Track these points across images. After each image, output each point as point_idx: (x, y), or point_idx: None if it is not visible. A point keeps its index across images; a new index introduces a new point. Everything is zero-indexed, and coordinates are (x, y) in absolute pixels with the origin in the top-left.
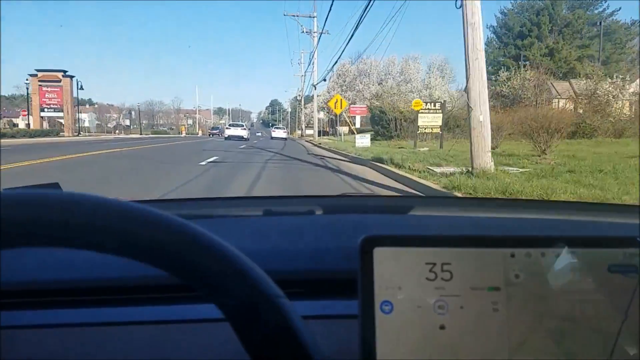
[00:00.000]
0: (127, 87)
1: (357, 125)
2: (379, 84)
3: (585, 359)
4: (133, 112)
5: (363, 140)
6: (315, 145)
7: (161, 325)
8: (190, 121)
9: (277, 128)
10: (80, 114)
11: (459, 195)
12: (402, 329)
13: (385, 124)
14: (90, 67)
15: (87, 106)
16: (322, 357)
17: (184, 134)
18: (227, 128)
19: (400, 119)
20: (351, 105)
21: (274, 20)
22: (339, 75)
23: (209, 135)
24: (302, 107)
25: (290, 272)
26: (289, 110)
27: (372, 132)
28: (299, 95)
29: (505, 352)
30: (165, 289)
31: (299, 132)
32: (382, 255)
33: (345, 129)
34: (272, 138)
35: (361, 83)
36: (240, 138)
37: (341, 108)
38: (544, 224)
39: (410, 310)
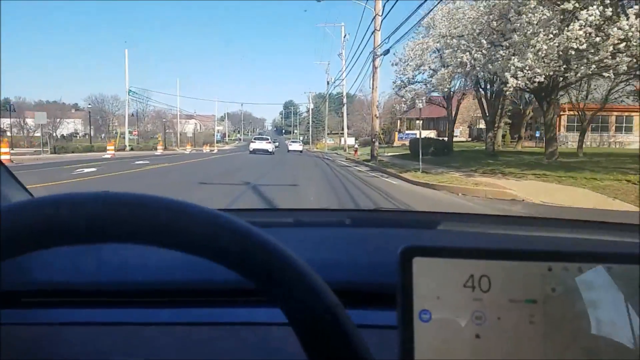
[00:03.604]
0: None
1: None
2: None
3: None
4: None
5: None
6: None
7: (222, 326)
8: (191, 129)
9: (293, 142)
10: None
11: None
12: (439, 337)
13: None
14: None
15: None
16: None
17: (159, 151)
18: (252, 142)
19: None
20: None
21: (286, 13)
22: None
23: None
24: (345, 106)
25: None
26: (309, 112)
27: None
28: (336, 85)
29: None
30: (224, 293)
31: (327, 142)
32: (421, 265)
33: None
34: (288, 151)
35: None
36: (266, 152)
37: None
38: (574, 242)
39: (448, 319)
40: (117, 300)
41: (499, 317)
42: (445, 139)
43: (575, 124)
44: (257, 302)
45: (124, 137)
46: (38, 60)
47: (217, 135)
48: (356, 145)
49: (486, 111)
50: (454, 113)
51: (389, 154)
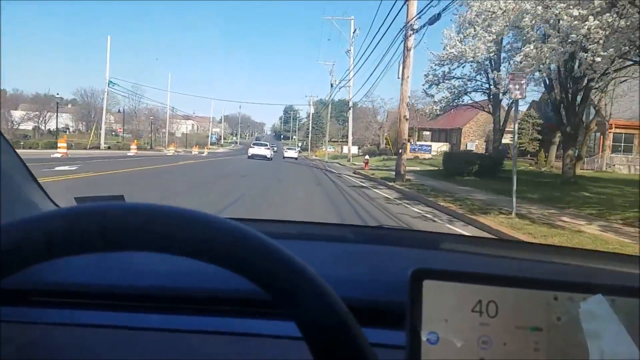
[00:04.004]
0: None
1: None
2: None
3: None
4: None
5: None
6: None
7: (232, 336)
8: (183, 130)
9: (289, 149)
10: None
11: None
12: None
13: None
14: None
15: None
16: None
17: (133, 151)
18: (250, 147)
19: None
20: None
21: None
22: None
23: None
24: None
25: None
26: (309, 117)
27: None
28: (341, 87)
29: None
30: (238, 302)
31: (328, 149)
32: (431, 288)
33: None
34: (284, 158)
35: None
36: (264, 157)
37: None
38: (579, 270)
39: (455, 343)
40: (124, 304)
41: (505, 343)
42: (479, 152)
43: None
44: (266, 314)
45: (99, 134)
46: (29, 50)
47: (212, 137)
48: (367, 156)
49: (563, 119)
50: (502, 121)
51: (409, 169)
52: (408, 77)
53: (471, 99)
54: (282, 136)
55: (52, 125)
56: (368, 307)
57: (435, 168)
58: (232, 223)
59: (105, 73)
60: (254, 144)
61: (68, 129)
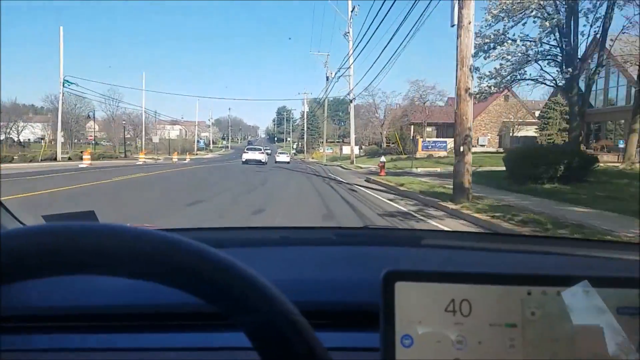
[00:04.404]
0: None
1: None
2: None
3: None
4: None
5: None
6: None
7: (187, 351)
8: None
9: (281, 153)
10: None
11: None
12: None
13: None
14: None
15: None
16: None
17: (85, 163)
18: (244, 152)
19: None
20: None
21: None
22: None
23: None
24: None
25: (311, 303)
26: (304, 117)
27: None
28: (339, 76)
29: None
30: (189, 316)
31: (326, 150)
32: (403, 290)
33: None
34: (276, 162)
35: None
36: (259, 162)
37: None
38: (553, 260)
39: (429, 344)
40: (75, 325)
41: (480, 342)
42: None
43: None
44: (218, 326)
45: (72, 144)
46: None
47: (199, 142)
48: (382, 158)
49: None
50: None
51: (427, 170)
52: (470, 22)
53: (539, 70)
54: (275, 138)
55: (27, 136)
56: (346, 309)
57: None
58: (169, 237)
59: (59, 70)
60: (247, 149)
61: (42, 139)
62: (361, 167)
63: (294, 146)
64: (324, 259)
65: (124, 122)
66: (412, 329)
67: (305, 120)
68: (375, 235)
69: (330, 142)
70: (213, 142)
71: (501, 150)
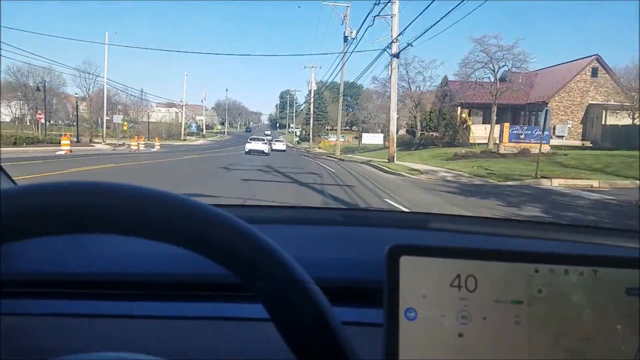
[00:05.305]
0: None
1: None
2: None
3: None
4: None
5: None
6: None
7: (203, 320)
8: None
9: (277, 141)
10: None
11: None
12: (424, 336)
13: None
14: None
15: None
16: (348, 341)
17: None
18: (247, 142)
19: None
20: None
21: None
22: None
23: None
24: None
25: (317, 279)
26: (310, 94)
27: None
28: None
29: None
30: (206, 286)
31: (339, 139)
32: (408, 264)
33: None
34: (272, 150)
35: None
36: (262, 153)
37: None
38: (563, 245)
39: (433, 318)
40: (97, 292)
41: (485, 317)
42: None
43: None
44: (240, 297)
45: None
46: None
47: (191, 127)
48: None
49: None
50: None
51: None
52: None
53: None
54: (278, 124)
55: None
56: (350, 286)
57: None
58: (195, 203)
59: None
60: (250, 139)
61: (19, 118)
62: (414, 171)
63: (297, 132)
64: (328, 238)
65: (75, 96)
66: (416, 303)
67: (312, 99)
68: (379, 217)
69: (336, 129)
70: (209, 127)
71: (588, 143)
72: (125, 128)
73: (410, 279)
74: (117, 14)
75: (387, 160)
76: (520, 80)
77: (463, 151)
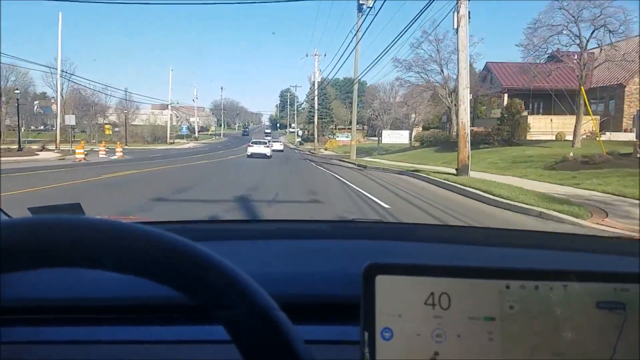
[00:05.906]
0: None
1: None
2: None
3: None
4: None
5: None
6: None
7: (167, 344)
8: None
9: (274, 141)
10: None
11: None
12: (400, 355)
13: None
14: None
15: None
16: None
17: None
18: (249, 145)
19: None
20: None
21: None
22: None
23: None
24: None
25: (293, 296)
26: (314, 86)
27: None
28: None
29: None
30: (170, 309)
31: (353, 140)
32: (384, 283)
33: None
34: (272, 150)
35: None
36: (264, 156)
37: None
38: (538, 255)
39: (409, 337)
40: (55, 318)
41: (459, 335)
42: None
43: None
44: (194, 320)
45: None
46: None
47: (182, 129)
48: None
49: None
50: None
51: None
52: None
53: None
54: (278, 125)
55: None
56: (327, 302)
57: None
58: (147, 230)
59: None
60: (252, 143)
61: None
62: (586, 213)
63: (298, 132)
64: (309, 253)
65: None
66: (392, 322)
67: (316, 92)
68: (363, 228)
69: (341, 128)
70: (205, 129)
71: None
72: (108, 132)
73: (386, 299)
74: (97, 9)
75: (455, 172)
76: (601, 54)
77: (571, 154)
